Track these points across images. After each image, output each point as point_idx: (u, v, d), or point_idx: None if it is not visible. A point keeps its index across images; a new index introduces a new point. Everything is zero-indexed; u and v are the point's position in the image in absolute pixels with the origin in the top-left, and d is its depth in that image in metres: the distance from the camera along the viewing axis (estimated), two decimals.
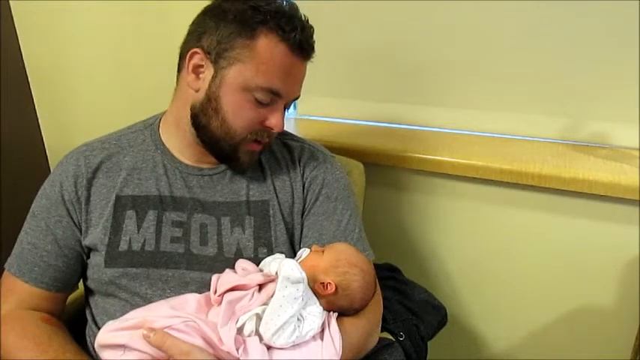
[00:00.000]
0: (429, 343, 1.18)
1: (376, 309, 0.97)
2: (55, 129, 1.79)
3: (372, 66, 1.40)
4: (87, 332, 0.98)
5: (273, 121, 0.94)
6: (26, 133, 1.79)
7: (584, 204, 1.18)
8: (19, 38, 1.68)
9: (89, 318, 0.99)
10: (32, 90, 1.77)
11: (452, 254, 1.38)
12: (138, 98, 1.54)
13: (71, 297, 1.06)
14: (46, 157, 1.83)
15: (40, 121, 1.81)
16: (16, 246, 0.98)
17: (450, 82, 1.35)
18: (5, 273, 0.96)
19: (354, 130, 1.42)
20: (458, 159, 1.24)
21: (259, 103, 0.91)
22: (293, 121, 1.53)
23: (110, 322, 0.84)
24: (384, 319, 1.03)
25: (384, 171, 1.35)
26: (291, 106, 1.00)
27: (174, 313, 0.82)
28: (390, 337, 1.04)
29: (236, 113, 0.91)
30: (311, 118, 1.52)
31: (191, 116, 0.95)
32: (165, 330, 0.79)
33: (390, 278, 1.17)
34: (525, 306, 1.33)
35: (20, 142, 1.76)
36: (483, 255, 1.34)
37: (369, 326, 0.94)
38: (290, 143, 1.07)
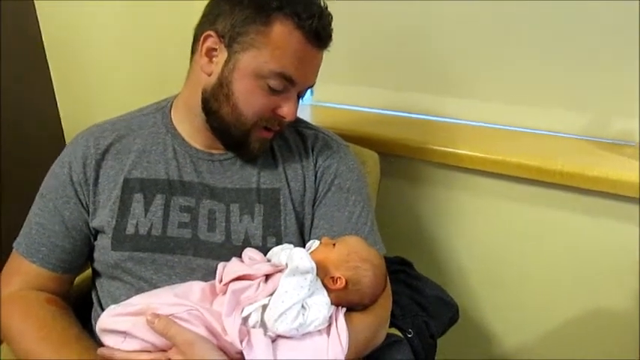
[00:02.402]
0: (439, 339, 1.15)
1: (385, 304, 0.95)
2: (72, 105, 1.79)
3: (393, 53, 1.36)
4: (92, 315, 0.97)
5: (285, 109, 0.91)
6: (43, 109, 1.79)
7: (607, 204, 1.14)
8: (37, 13, 1.67)
9: (95, 300, 0.98)
10: (50, 65, 1.76)
11: (467, 250, 1.34)
12: (154, 76, 1.52)
13: (79, 278, 1.05)
14: (63, 134, 1.83)
15: (57, 97, 1.81)
16: (24, 226, 0.97)
17: (472, 72, 1.30)
18: (13, 252, 0.96)
19: (371, 119, 1.38)
20: (477, 152, 1.20)
21: (272, 91, 0.89)
22: (309, 107, 1.50)
23: (113, 307, 0.83)
24: (392, 315, 1.00)
25: (400, 162, 1.32)
26: (306, 95, 0.97)
27: (178, 301, 0.81)
28: (399, 334, 1.01)
29: (248, 100, 0.89)
30: (327, 105, 1.49)
31: (202, 100, 0.93)
32: (169, 317, 0.78)
33: (400, 272, 1.15)
34: (540, 305, 1.30)
35: (37, 117, 1.76)
36: (499, 252, 1.31)
37: (377, 322, 0.91)
38: (304, 131, 1.05)
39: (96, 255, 0.96)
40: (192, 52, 0.95)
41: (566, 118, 1.24)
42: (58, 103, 1.81)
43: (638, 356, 1.14)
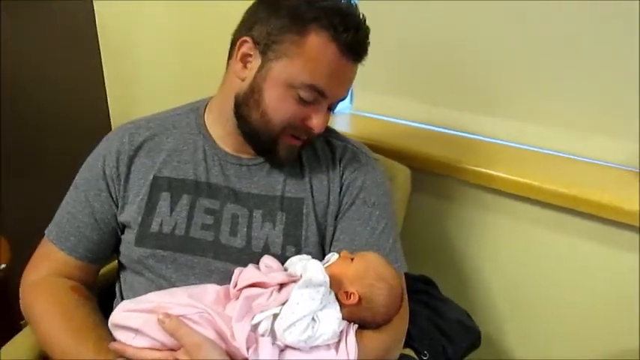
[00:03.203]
0: None
1: (400, 324, 0.93)
2: (121, 101, 1.85)
3: (434, 67, 1.34)
4: (114, 306, 0.99)
5: (314, 121, 0.91)
6: (93, 103, 1.86)
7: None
8: (95, 8, 1.74)
9: (117, 292, 1.01)
10: (103, 62, 1.83)
11: (495, 275, 1.30)
12: (203, 78, 1.54)
13: (106, 269, 1.08)
14: (110, 129, 1.90)
15: (107, 92, 1.88)
16: (57, 213, 1.01)
17: (513, 92, 1.26)
18: (44, 238, 1.00)
19: (407, 132, 1.36)
20: (512, 175, 1.16)
21: (302, 101, 0.88)
22: (347, 116, 1.49)
23: (126, 302, 0.85)
24: (409, 335, 0.98)
25: (432, 179, 1.29)
26: (338, 106, 0.96)
27: (190, 302, 0.82)
28: (413, 355, 0.99)
29: (277, 108, 0.89)
30: (365, 114, 1.47)
31: (234, 105, 0.94)
32: (180, 318, 0.79)
33: (423, 292, 1.12)
34: (566, 339, 1.25)
35: (86, 111, 1.83)
36: (528, 280, 1.26)
37: (389, 342, 0.90)
38: (333, 142, 1.04)
39: (121, 248, 0.98)
40: (229, 56, 0.97)
41: (608, 146, 1.18)
42: (108, 99, 1.88)
43: None
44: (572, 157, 1.22)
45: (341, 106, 1.50)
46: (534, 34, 1.19)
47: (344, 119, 1.47)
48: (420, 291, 1.12)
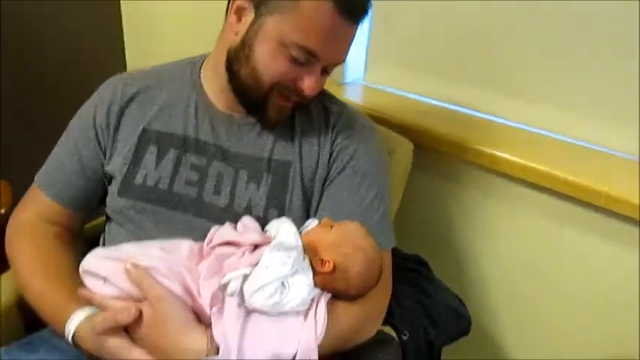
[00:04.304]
0: (449, 351, 1.08)
1: (379, 300, 0.90)
2: (139, 56, 1.84)
3: (451, 43, 1.27)
4: None
5: (306, 83, 0.87)
6: (110, 58, 1.86)
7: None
8: None
9: (101, 243, 1.00)
10: (122, 12, 1.82)
11: (492, 261, 1.24)
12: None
13: (98, 221, 1.08)
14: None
15: (125, 52, 1.88)
16: (48, 159, 1.01)
17: (531, 72, 1.18)
18: (33, 183, 1.00)
19: (416, 108, 1.30)
20: (519, 159, 1.09)
21: (294, 61, 0.85)
22: (359, 87, 1.44)
23: (98, 249, 0.84)
24: (390, 313, 0.95)
25: (436, 156, 1.23)
26: (332, 71, 0.92)
27: (161, 255, 0.81)
28: (392, 334, 0.96)
29: (267, 65, 0.86)
30: (377, 87, 1.42)
31: (226, 60, 0.91)
32: (148, 270, 0.77)
33: (412, 271, 1.08)
34: (563, 334, 1.19)
35: (102, 61, 1.83)
36: (526, 268, 1.20)
37: (363, 316, 0.87)
38: (330, 106, 1.00)
39: (107, 199, 0.98)
40: (227, 9, 0.93)
41: (623, 135, 1.10)
42: (125, 53, 1.87)
43: None
44: (585, 144, 1.14)
45: (354, 77, 1.47)
46: (555, 16, 1.11)
47: (356, 90, 1.42)
48: (410, 269, 1.08)
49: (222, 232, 0.85)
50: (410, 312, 1.00)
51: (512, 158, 1.09)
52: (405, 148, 1.14)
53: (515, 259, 1.21)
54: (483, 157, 1.12)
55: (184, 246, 0.84)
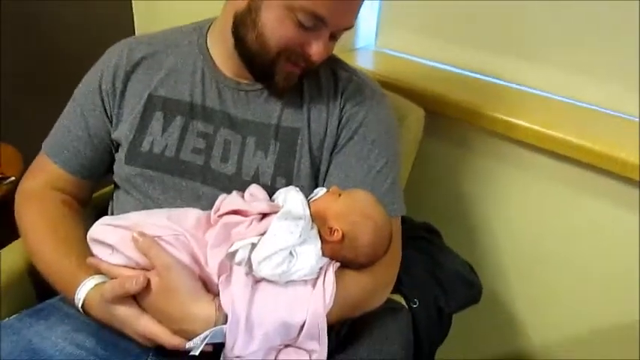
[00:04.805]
0: (461, 319, 1.08)
1: (388, 268, 0.89)
2: (147, 16, 1.80)
3: (465, 6, 1.22)
4: None
5: (314, 48, 0.84)
6: (117, 16, 1.82)
7: None
8: None
9: (109, 211, 1.00)
10: None
11: (505, 229, 1.22)
12: None
13: (108, 188, 1.08)
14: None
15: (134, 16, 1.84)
16: (54, 126, 0.99)
17: (549, 35, 1.14)
18: (41, 151, 0.99)
19: (429, 73, 1.27)
20: (534, 125, 1.05)
21: (302, 26, 0.81)
22: (370, 53, 1.40)
23: (106, 217, 0.84)
24: (400, 281, 0.95)
25: (448, 123, 1.20)
26: (340, 36, 0.89)
27: (168, 224, 0.80)
28: (402, 302, 0.95)
29: (274, 30, 0.83)
30: (389, 52, 1.38)
31: (232, 25, 0.88)
32: (154, 239, 0.77)
33: (423, 239, 1.07)
34: (576, 302, 1.18)
35: (110, 23, 1.80)
36: (541, 238, 1.18)
37: (373, 284, 0.86)
38: (339, 72, 0.97)
39: (115, 167, 0.97)
40: None
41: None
42: (134, 16, 1.84)
43: None
44: (600, 109, 1.10)
45: (365, 42, 1.43)
46: None
47: (367, 56, 1.38)
48: (420, 237, 1.07)
49: (229, 200, 0.83)
50: (420, 280, 0.99)
51: (528, 125, 1.06)
52: (415, 115, 1.11)
53: (528, 227, 1.19)
54: (498, 124, 1.09)
55: (191, 215, 0.83)
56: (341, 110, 0.93)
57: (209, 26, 0.98)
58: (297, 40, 0.84)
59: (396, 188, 0.93)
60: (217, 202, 0.84)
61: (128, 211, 0.89)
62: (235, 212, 0.82)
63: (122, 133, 0.93)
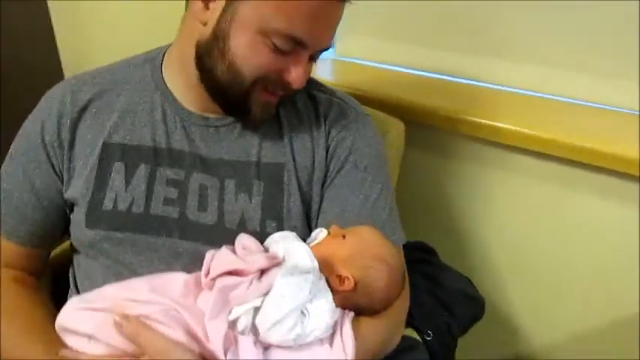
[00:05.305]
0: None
1: (401, 306, 0.82)
2: (71, 43, 1.63)
3: (429, 4, 1.17)
4: (69, 296, 0.86)
5: (293, 74, 0.76)
6: (41, 47, 1.64)
7: None
8: None
9: (71, 279, 0.87)
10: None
11: (498, 237, 1.19)
12: (161, 17, 1.34)
13: (60, 249, 0.94)
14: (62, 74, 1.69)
15: (56, 34, 1.66)
16: None
17: (521, 30, 1.10)
18: None
19: (399, 80, 1.20)
20: (519, 127, 1.01)
21: (278, 50, 0.73)
22: (330, 62, 1.32)
23: (75, 299, 0.72)
24: (409, 314, 0.87)
25: (428, 132, 1.15)
26: (319, 56, 0.81)
27: (153, 298, 0.69)
28: (415, 336, 0.89)
29: (247, 58, 0.73)
30: (350, 60, 1.30)
31: (196, 55, 0.78)
32: (141, 319, 0.66)
33: (423, 262, 1.01)
34: (574, 303, 1.15)
35: (35, 60, 1.62)
36: (535, 241, 1.15)
37: (390, 326, 0.79)
38: (316, 95, 0.89)
39: (72, 230, 0.84)
40: None
41: (622, 90, 1.05)
42: (58, 50, 1.66)
43: None
44: (583, 103, 1.08)
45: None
46: None
47: (325, 66, 1.30)
48: (420, 260, 1.00)
49: (220, 259, 0.73)
50: (428, 308, 0.93)
51: (513, 128, 1.02)
52: (396, 129, 1.04)
53: (520, 230, 1.16)
54: (482, 130, 1.05)
55: (177, 280, 0.72)
56: (327, 138, 0.85)
57: (162, 56, 0.87)
58: (273, 66, 0.75)
59: (394, 216, 0.86)
60: (206, 263, 0.73)
61: (95, 280, 0.78)
62: (230, 272, 0.71)
63: (77, 191, 0.81)
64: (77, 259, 0.85)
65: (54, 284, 0.94)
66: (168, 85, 0.84)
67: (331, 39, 0.78)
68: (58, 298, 0.84)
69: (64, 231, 0.86)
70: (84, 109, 0.83)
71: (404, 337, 0.84)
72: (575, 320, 1.17)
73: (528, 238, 1.16)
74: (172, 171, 0.81)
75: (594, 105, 1.08)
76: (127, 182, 0.80)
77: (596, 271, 1.11)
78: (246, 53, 0.73)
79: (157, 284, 0.71)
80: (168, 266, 0.77)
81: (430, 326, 0.90)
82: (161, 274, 0.74)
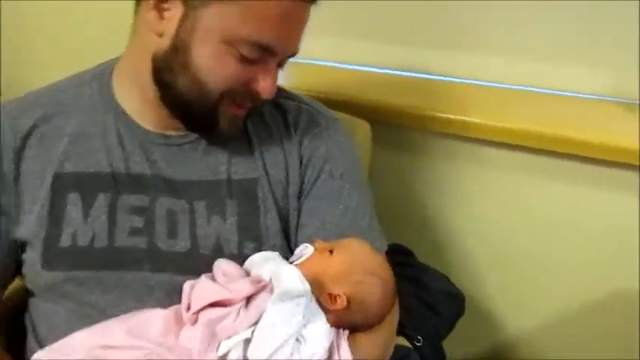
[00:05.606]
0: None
1: (393, 316, 0.79)
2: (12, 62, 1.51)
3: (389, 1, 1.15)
4: (27, 344, 0.77)
5: (261, 83, 0.72)
6: None
7: (632, 177, 0.99)
8: None
9: (28, 326, 0.78)
10: None
11: (472, 231, 1.18)
12: (110, 29, 1.26)
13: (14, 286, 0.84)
14: None
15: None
16: None
17: (482, 22, 1.10)
18: None
19: (361, 80, 1.17)
20: (487, 120, 1.01)
21: (245, 59, 0.68)
22: (287, 65, 1.27)
23: (41, 353, 0.64)
24: (399, 322, 0.85)
25: (396, 131, 1.12)
26: (285, 64, 0.77)
27: (132, 341, 0.63)
28: (407, 344, 0.86)
29: (212, 70, 0.69)
30: (310, 62, 1.25)
31: (153, 70, 0.72)
32: None
33: (404, 265, 0.98)
34: (555, 290, 1.16)
35: None
36: (510, 232, 1.15)
37: (387, 340, 0.77)
38: (283, 103, 0.84)
39: (25, 271, 0.76)
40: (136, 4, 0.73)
41: (585, 77, 1.07)
42: None
43: None
44: (549, 92, 1.09)
45: None
46: None
47: (283, 69, 1.25)
48: (401, 263, 0.98)
49: (201, 290, 0.67)
50: (415, 313, 0.91)
51: (481, 121, 1.02)
52: (363, 131, 1.02)
53: (496, 224, 1.16)
54: (449, 125, 1.04)
55: (155, 318, 0.67)
56: (299, 148, 0.81)
57: (111, 70, 0.80)
58: (241, 77, 0.71)
59: (374, 223, 0.84)
60: (185, 295, 0.68)
61: (58, 326, 0.70)
62: (213, 304, 0.66)
63: (28, 229, 0.73)
64: (34, 303, 0.77)
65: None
66: (120, 103, 0.77)
67: (299, 42, 0.74)
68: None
69: (15, 273, 0.78)
70: (27, 137, 0.75)
71: (396, 347, 0.82)
72: (554, 311, 1.18)
73: (503, 230, 1.16)
74: (135, 197, 0.74)
75: (560, 93, 1.09)
76: (86, 214, 0.73)
77: (572, 260, 1.12)
78: (211, 65, 0.68)
79: (132, 325, 0.65)
80: (141, 303, 0.70)
81: (420, 331, 0.88)
82: (135, 313, 0.68)
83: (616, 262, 1.08)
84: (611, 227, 1.06)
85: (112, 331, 0.65)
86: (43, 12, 1.45)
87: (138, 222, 0.74)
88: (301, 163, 0.80)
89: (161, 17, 0.68)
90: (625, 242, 1.05)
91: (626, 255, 1.06)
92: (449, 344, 0.99)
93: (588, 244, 1.10)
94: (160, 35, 0.69)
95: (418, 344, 0.87)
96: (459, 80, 1.16)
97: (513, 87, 1.13)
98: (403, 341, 0.87)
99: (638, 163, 0.95)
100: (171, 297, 0.70)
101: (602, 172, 1.01)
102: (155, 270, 0.72)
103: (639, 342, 1.09)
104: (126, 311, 0.68)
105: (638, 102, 1.03)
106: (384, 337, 0.76)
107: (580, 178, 1.05)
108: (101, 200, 0.73)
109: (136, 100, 0.76)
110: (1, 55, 1.50)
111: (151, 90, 0.73)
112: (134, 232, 0.73)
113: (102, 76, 0.80)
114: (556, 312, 1.18)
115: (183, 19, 0.67)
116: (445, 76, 1.17)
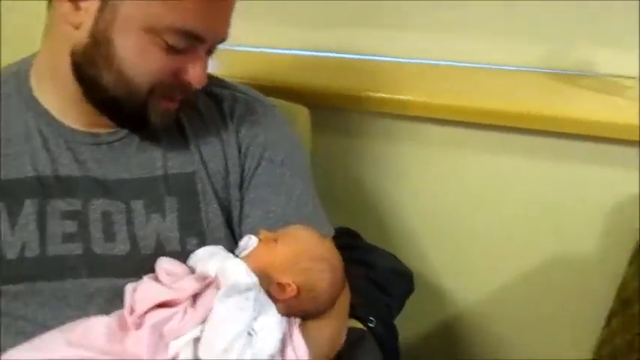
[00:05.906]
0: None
1: (344, 300, 0.79)
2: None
3: None
4: None
5: (191, 73, 0.69)
6: None
7: (570, 145, 1.02)
8: None
9: None
10: None
11: (415, 209, 1.20)
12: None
13: None
14: None
15: None
16: None
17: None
18: None
19: (295, 64, 1.16)
20: (423, 98, 1.02)
21: (171, 49, 0.65)
22: (217, 52, 1.23)
23: None
24: (350, 305, 0.85)
25: (334, 115, 1.12)
26: (214, 51, 0.74)
27: (75, 353, 0.59)
28: (360, 326, 0.86)
29: (137, 62, 0.65)
30: (240, 48, 1.22)
31: (72, 65, 0.67)
32: None
33: (352, 248, 0.98)
34: (501, 260, 1.20)
35: None
36: (451, 208, 1.18)
37: (338, 323, 0.76)
38: (217, 92, 0.82)
39: None
40: None
41: (517, 49, 1.09)
42: None
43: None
44: (480, 66, 1.11)
45: None
46: None
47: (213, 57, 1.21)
48: (348, 246, 0.98)
49: (144, 291, 0.65)
50: (366, 294, 0.91)
51: (417, 99, 1.03)
52: (302, 116, 1.01)
53: (437, 200, 1.18)
54: (386, 105, 1.04)
55: (97, 326, 0.63)
56: (237, 136, 0.79)
57: (28, 68, 0.75)
58: (168, 68, 0.67)
59: (319, 208, 0.83)
60: (128, 297, 0.65)
61: None
62: (159, 305, 0.64)
63: None
64: None
65: None
66: (41, 102, 0.73)
67: (228, 28, 0.72)
68: None
69: None
70: None
71: (349, 330, 0.82)
72: (500, 284, 1.22)
73: (445, 205, 1.18)
74: (65, 202, 0.70)
75: (491, 67, 1.11)
76: (13, 224, 0.68)
77: (514, 232, 1.16)
78: (136, 57, 0.65)
79: (74, 336, 0.61)
80: (82, 312, 0.67)
81: (372, 312, 0.88)
82: (76, 323, 0.64)
83: (552, 233, 1.13)
84: (546, 197, 1.10)
85: (52, 344, 0.61)
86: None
87: (71, 227, 0.70)
88: (240, 151, 0.78)
89: (77, 8, 0.64)
90: (554, 211, 1.10)
91: (555, 224, 1.11)
92: (399, 322, 1.01)
93: (527, 215, 1.13)
94: (77, 27, 0.65)
95: (371, 325, 0.87)
96: (390, 59, 1.16)
97: (444, 63, 1.14)
98: (356, 323, 0.87)
99: (571, 132, 0.99)
100: (114, 302, 0.67)
101: (539, 142, 1.04)
102: (93, 276, 0.69)
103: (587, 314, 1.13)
104: (66, 322, 0.65)
105: (569, 72, 1.07)
106: (337, 322, 0.75)
107: (517, 150, 1.08)
108: (28, 207, 0.69)
109: (58, 97, 0.72)
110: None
111: (72, 86, 0.69)
112: (67, 238, 0.69)
113: (17, 75, 0.75)
114: (502, 284, 1.22)
115: (102, 8, 0.63)
116: (376, 56, 1.16)
